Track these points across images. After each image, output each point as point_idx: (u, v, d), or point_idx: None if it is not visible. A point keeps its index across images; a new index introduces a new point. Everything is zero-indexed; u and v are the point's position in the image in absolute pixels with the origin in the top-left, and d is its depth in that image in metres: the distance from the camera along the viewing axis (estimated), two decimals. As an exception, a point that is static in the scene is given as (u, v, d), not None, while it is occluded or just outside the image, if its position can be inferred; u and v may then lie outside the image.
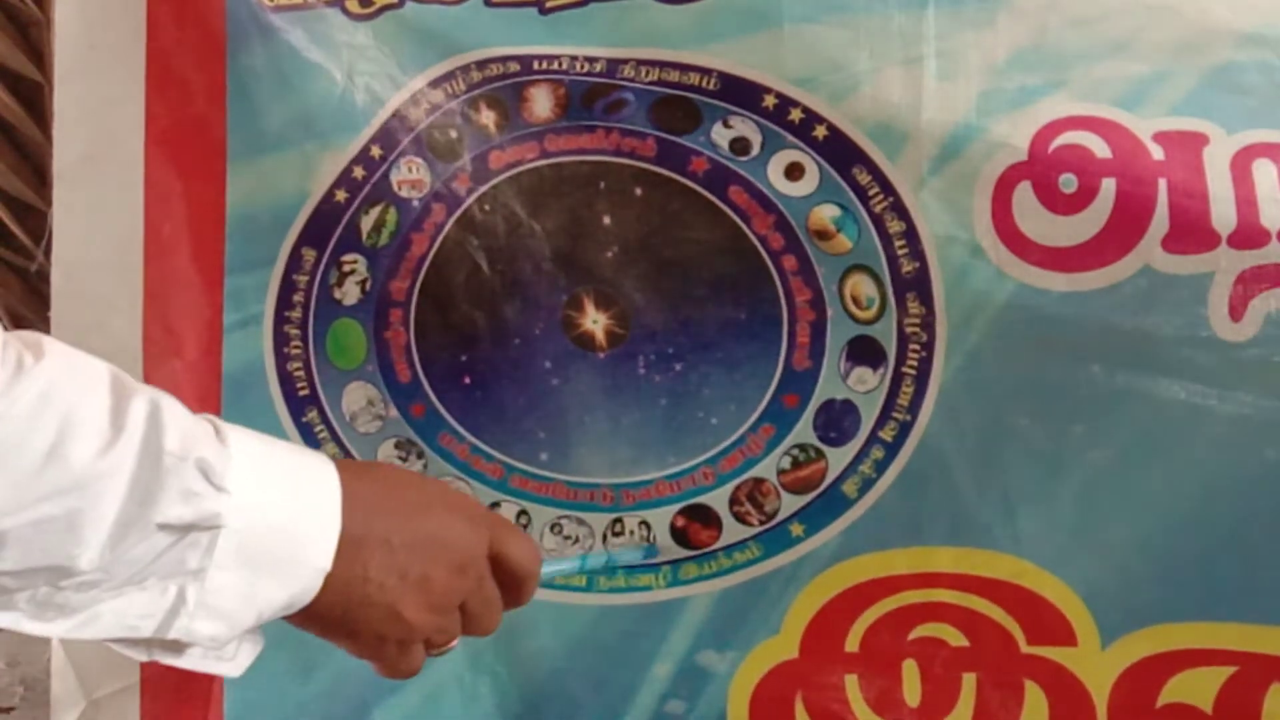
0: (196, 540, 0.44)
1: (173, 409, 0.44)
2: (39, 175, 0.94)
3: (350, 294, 0.73)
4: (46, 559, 0.41)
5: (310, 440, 0.74)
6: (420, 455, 0.73)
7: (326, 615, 0.48)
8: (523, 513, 0.72)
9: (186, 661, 0.47)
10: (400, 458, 0.73)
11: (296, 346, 0.74)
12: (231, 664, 0.48)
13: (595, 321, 0.71)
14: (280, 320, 0.74)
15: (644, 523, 0.70)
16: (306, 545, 0.46)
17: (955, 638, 0.67)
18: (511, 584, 0.54)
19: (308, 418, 0.74)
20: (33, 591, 0.42)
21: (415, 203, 0.72)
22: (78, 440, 0.41)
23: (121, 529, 0.42)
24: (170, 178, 0.74)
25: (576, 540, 0.72)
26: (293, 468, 0.47)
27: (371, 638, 0.50)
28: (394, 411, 0.73)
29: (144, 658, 0.47)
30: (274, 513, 0.45)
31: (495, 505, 0.72)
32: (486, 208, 0.71)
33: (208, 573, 0.44)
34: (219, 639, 0.46)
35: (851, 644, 0.68)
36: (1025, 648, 0.66)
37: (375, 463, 0.50)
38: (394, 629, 0.50)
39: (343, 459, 0.48)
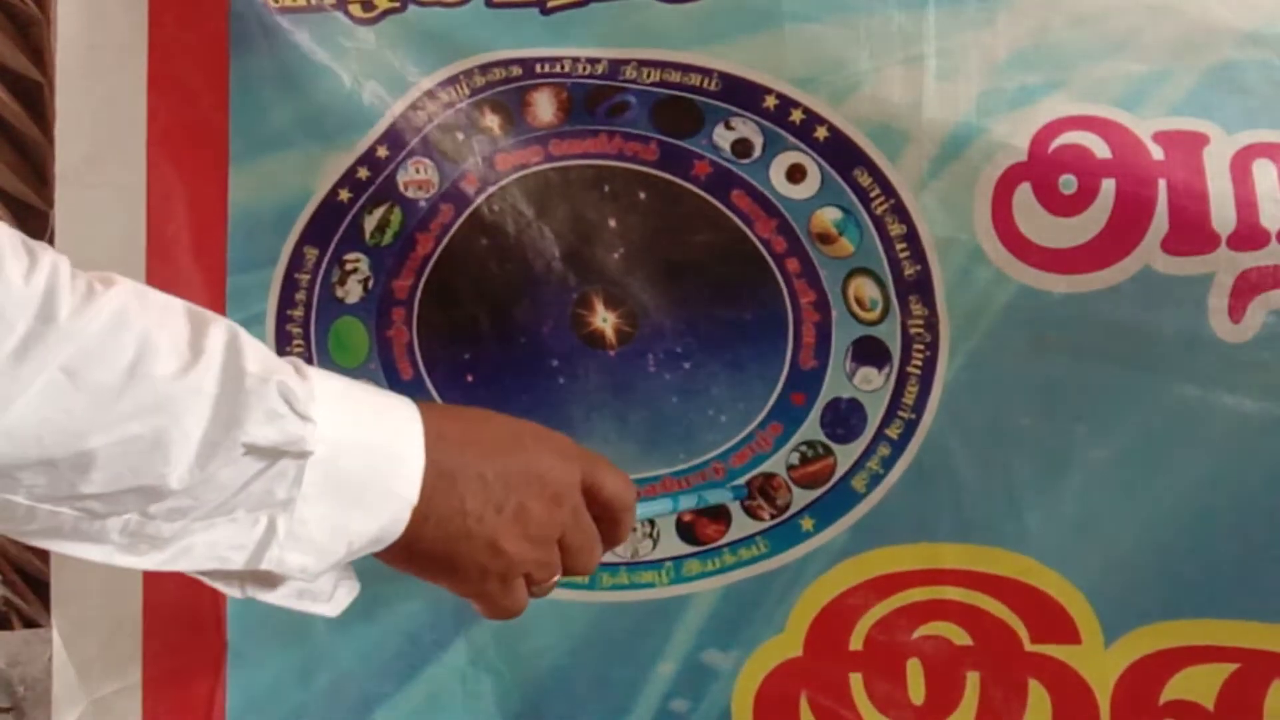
0: (284, 470, 0.44)
1: (251, 339, 0.45)
2: (39, 175, 0.93)
3: (353, 292, 0.73)
4: (135, 479, 0.41)
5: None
6: None
7: (428, 551, 0.48)
8: (530, 510, 0.72)
9: (280, 598, 0.47)
10: (402, 456, 0.73)
11: (299, 345, 0.74)
12: (328, 604, 0.49)
13: (605, 320, 0.71)
14: (283, 319, 0.74)
15: (649, 519, 0.71)
16: (391, 477, 0.46)
17: (959, 636, 0.67)
18: (607, 518, 0.55)
19: None
20: (124, 520, 0.43)
21: (422, 203, 0.72)
22: (158, 359, 0.41)
23: (209, 448, 0.42)
24: (172, 177, 0.74)
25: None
26: (374, 403, 0.48)
27: (474, 572, 0.50)
28: (396, 410, 0.73)
29: (237, 593, 0.47)
30: (358, 443, 0.46)
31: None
32: (495, 208, 0.72)
33: (296, 503, 0.44)
34: (309, 571, 0.46)
35: (856, 642, 0.68)
36: (1029, 646, 0.67)
37: (460, 406, 0.51)
38: (495, 562, 0.50)
39: (425, 401, 0.48)
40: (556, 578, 0.54)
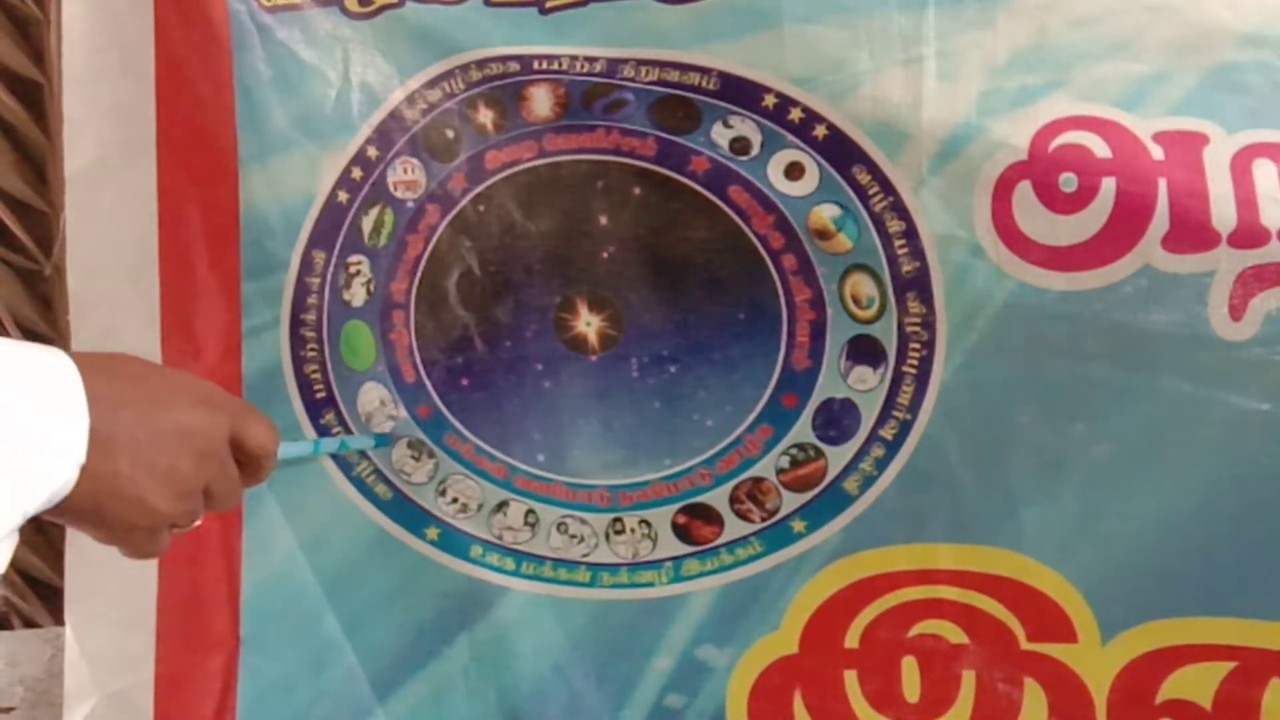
0: None
1: None
2: (39, 176, 0.94)
3: (358, 295, 0.74)
4: None
5: (330, 442, 0.75)
6: (431, 454, 0.74)
7: (79, 508, 0.49)
8: (530, 511, 0.73)
9: None
10: (413, 457, 0.74)
11: (313, 349, 0.74)
12: None
13: (588, 324, 0.71)
14: (296, 323, 0.74)
15: (644, 521, 0.71)
16: (58, 439, 0.47)
17: (955, 634, 0.68)
18: (249, 464, 0.57)
19: (325, 419, 0.74)
20: None
21: (410, 204, 0.72)
22: None
23: None
24: (183, 182, 0.74)
25: (581, 540, 0.72)
26: (32, 364, 0.47)
27: (121, 527, 0.51)
28: (403, 412, 0.74)
29: None
30: (20, 406, 0.45)
31: (504, 504, 0.73)
32: (481, 208, 0.72)
33: None
34: None
35: (851, 640, 0.69)
36: (1025, 644, 0.67)
37: (114, 355, 0.52)
38: (143, 518, 0.51)
39: (79, 352, 0.49)
40: (199, 520, 0.56)
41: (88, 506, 0.49)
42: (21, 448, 0.45)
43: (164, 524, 0.53)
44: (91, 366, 0.49)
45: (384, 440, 0.73)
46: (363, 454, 0.74)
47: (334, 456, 0.74)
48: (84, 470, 0.47)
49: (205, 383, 0.56)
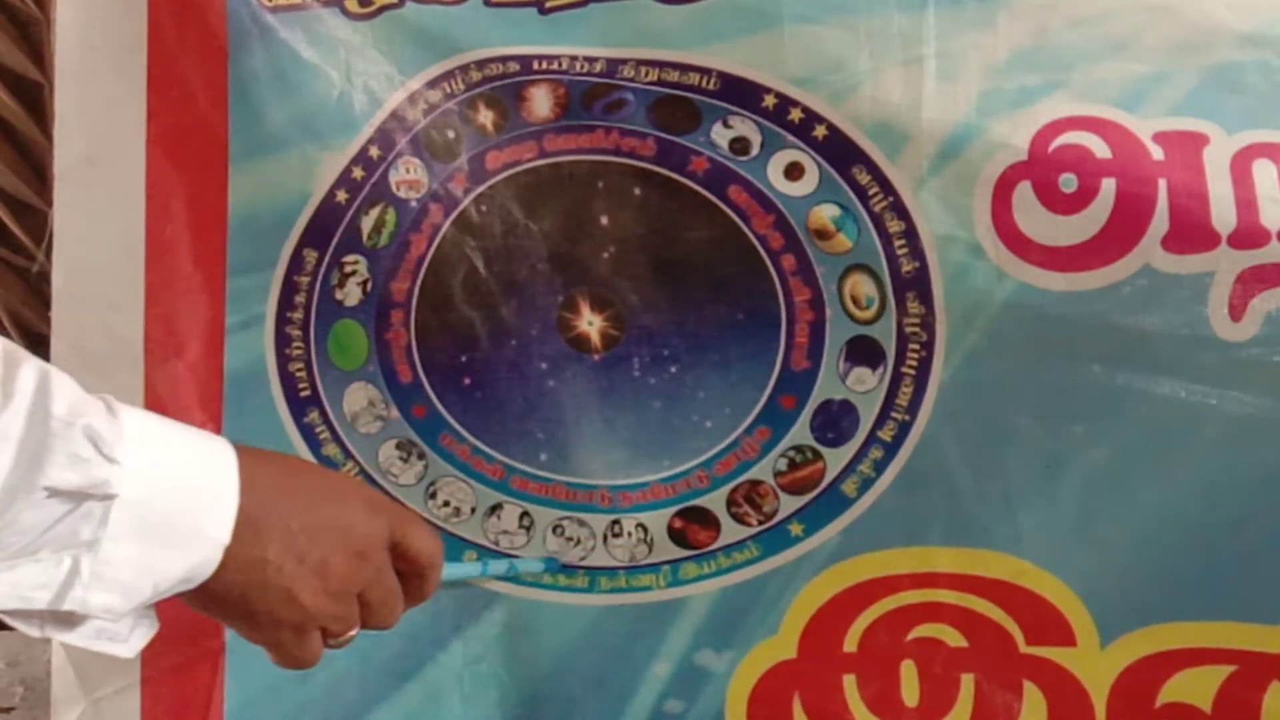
0: (90, 511, 0.44)
1: (62, 380, 0.44)
2: (39, 175, 0.94)
3: (352, 295, 0.73)
4: None
5: (312, 441, 0.74)
6: (421, 456, 0.73)
7: (225, 596, 0.48)
8: (525, 514, 0.72)
9: (79, 638, 0.47)
10: (401, 458, 0.73)
11: (298, 347, 0.74)
12: (125, 645, 0.48)
13: (591, 323, 0.71)
14: (282, 321, 0.74)
15: (641, 525, 0.70)
16: (204, 516, 0.46)
17: (954, 638, 0.67)
18: (413, 574, 0.55)
19: (309, 418, 0.74)
20: None
21: (413, 203, 0.72)
22: None
23: (9, 494, 0.42)
24: (172, 179, 0.74)
25: (578, 542, 0.72)
26: (189, 442, 0.47)
27: (268, 621, 0.50)
28: (395, 412, 0.73)
29: (37, 633, 0.47)
30: (170, 484, 0.45)
31: (497, 507, 0.72)
32: (483, 208, 0.72)
33: (101, 544, 0.44)
34: (114, 610, 0.46)
35: (850, 644, 0.68)
36: (1024, 648, 0.66)
37: (274, 452, 0.51)
38: (290, 613, 0.50)
39: (241, 444, 0.48)
40: (354, 631, 0.54)
41: (233, 594, 0.48)
42: (162, 526, 0.45)
43: (313, 624, 0.51)
44: (252, 456, 0.48)
45: (554, 565, 0.71)
46: (348, 455, 0.74)
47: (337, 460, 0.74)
48: (229, 554, 0.47)
49: (366, 486, 0.56)
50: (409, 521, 0.55)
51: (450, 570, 0.59)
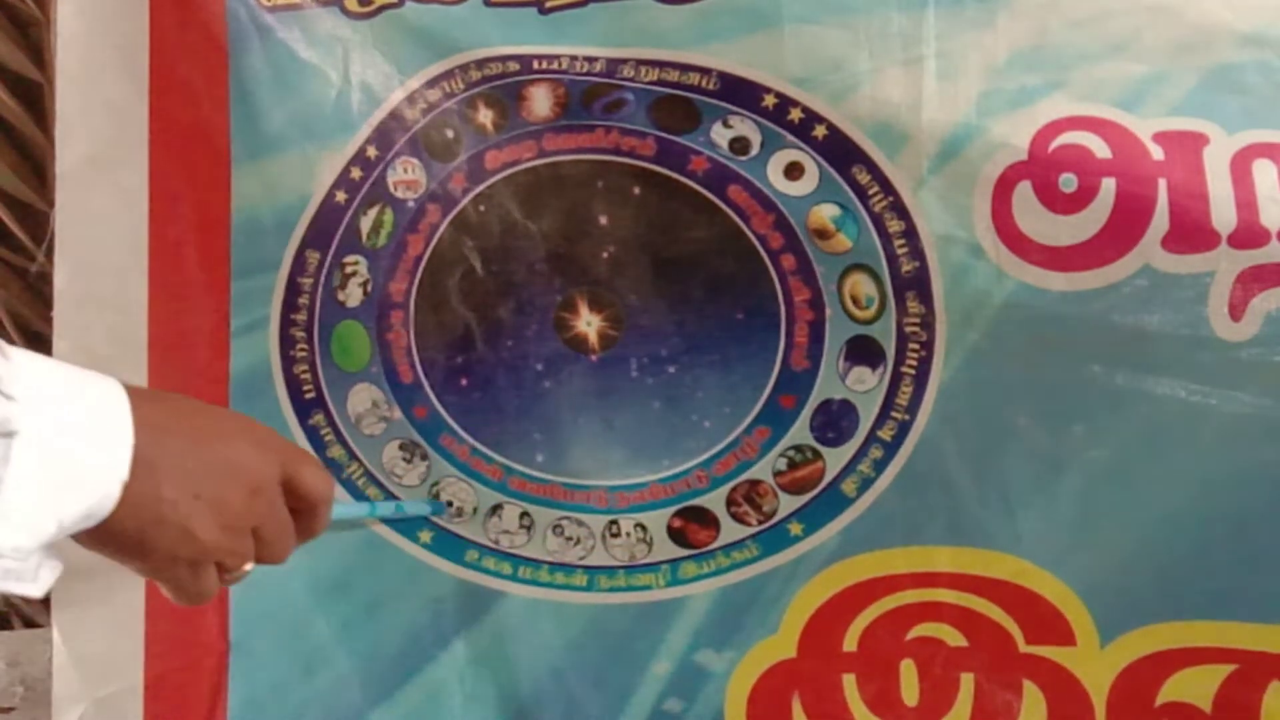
0: None
1: None
2: (39, 175, 0.94)
3: (353, 296, 0.74)
4: None
5: (317, 443, 0.74)
6: (424, 457, 0.73)
7: (120, 533, 0.48)
8: (524, 514, 0.72)
9: None
10: (404, 459, 0.73)
11: (302, 349, 0.74)
12: (33, 585, 0.48)
13: (589, 324, 0.71)
14: (286, 323, 0.74)
15: (639, 525, 0.71)
16: (102, 453, 0.46)
17: (954, 637, 0.67)
18: (304, 511, 0.55)
19: (314, 420, 0.74)
20: None
21: (411, 203, 0.72)
22: None
23: None
24: (176, 180, 0.74)
25: (578, 541, 0.72)
26: (82, 381, 0.47)
27: (165, 558, 0.50)
28: (398, 413, 0.73)
29: None
30: (67, 420, 0.46)
31: (498, 507, 0.73)
32: (482, 208, 0.72)
33: (5, 481, 0.44)
34: (21, 549, 0.46)
35: (849, 643, 0.68)
36: (1024, 647, 0.67)
37: (164, 391, 0.52)
38: (187, 549, 0.50)
39: (133, 386, 0.49)
40: (249, 566, 0.54)
41: (130, 530, 0.48)
42: (63, 462, 0.45)
43: (208, 558, 0.52)
44: (142, 395, 0.48)
45: (440, 509, 0.72)
46: (352, 457, 0.74)
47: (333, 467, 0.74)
48: (127, 491, 0.47)
49: (260, 425, 0.55)
50: (301, 459, 0.56)
51: (340, 510, 0.60)
